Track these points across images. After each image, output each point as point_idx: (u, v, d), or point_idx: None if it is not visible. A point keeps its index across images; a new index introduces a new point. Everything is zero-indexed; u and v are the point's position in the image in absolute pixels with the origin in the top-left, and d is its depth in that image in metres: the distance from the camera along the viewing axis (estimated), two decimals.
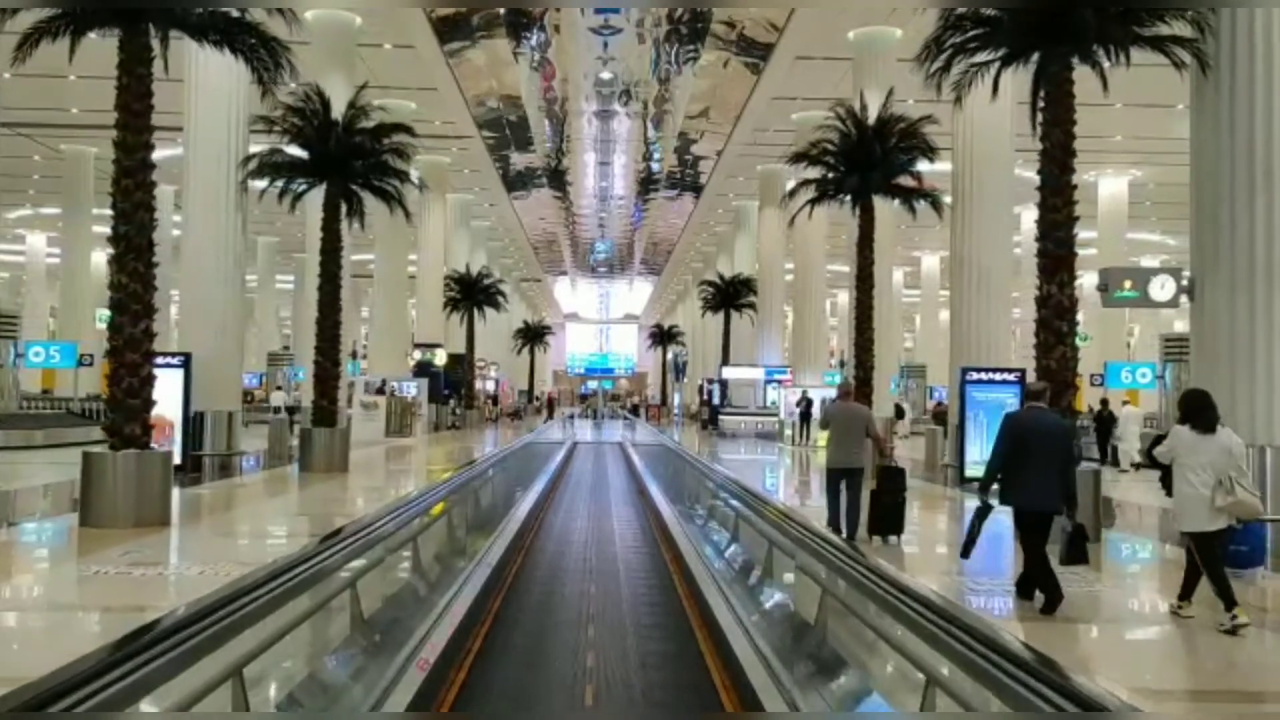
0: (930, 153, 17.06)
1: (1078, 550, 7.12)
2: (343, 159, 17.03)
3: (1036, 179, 10.59)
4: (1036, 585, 7.20)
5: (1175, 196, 40.90)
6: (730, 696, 5.99)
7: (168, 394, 15.70)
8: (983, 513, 7.16)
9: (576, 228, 56.08)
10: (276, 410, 28.23)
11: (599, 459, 28.62)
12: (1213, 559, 6.68)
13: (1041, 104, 10.57)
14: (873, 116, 17.56)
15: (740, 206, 43.95)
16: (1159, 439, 7.38)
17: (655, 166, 41.98)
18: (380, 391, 29.12)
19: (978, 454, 16.05)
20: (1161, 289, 10.65)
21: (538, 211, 50.56)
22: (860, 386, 17.74)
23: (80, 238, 37.19)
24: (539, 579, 9.69)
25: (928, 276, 54.35)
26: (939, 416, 29.63)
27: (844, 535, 9.54)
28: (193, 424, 16.70)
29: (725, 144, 35.87)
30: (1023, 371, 16.75)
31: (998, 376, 16.38)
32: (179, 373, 15.78)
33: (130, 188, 10.31)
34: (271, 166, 17.03)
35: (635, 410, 62.20)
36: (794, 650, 6.09)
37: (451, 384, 38.20)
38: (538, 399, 61.15)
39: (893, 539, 10.08)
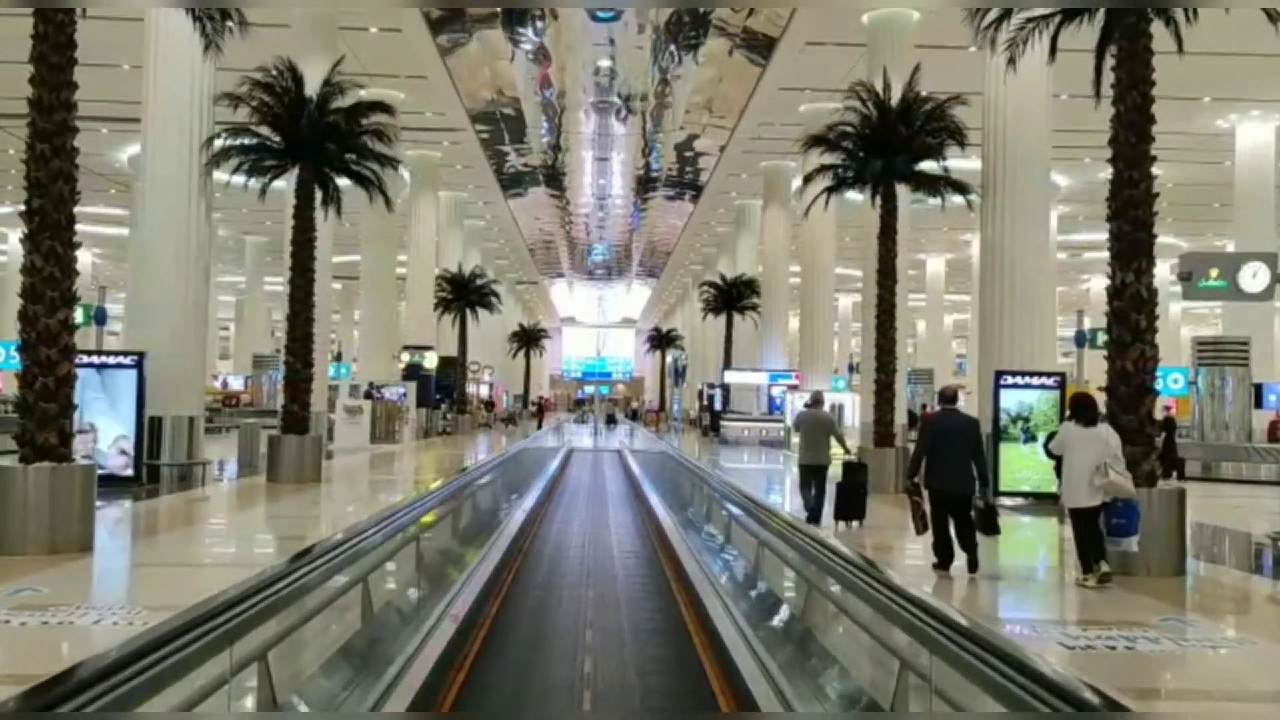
0: (960, 136, 15.58)
1: (990, 524, 8.65)
2: (316, 140, 15.52)
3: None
4: (937, 553, 8.67)
5: (1192, 197, 39.43)
6: None
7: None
8: (915, 491, 8.85)
9: (574, 229, 54.65)
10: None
11: (596, 467, 27.13)
12: (1083, 531, 8.25)
13: (1113, 63, 9.08)
14: (895, 98, 16.07)
15: (743, 206, 42.56)
16: (1052, 435, 9.52)
17: (655, 164, 40.54)
18: (368, 396, 27.59)
19: (1017, 465, 14.59)
20: (1254, 278, 9.18)
21: (534, 211, 49.09)
22: (881, 391, 16.32)
23: None
24: (514, 659, 7.68)
25: (933, 279, 53.05)
26: None
27: (813, 517, 11.43)
28: (150, 430, 15.25)
29: (728, 139, 34.42)
30: (1063, 375, 15.33)
31: (1035, 380, 14.90)
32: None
33: (46, 154, 8.79)
34: (239, 148, 15.52)
35: (635, 415, 61.07)
36: None
37: (443, 388, 36.65)
38: (534, 404, 59.66)
39: (855, 524, 11.45)
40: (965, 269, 52.79)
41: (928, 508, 8.71)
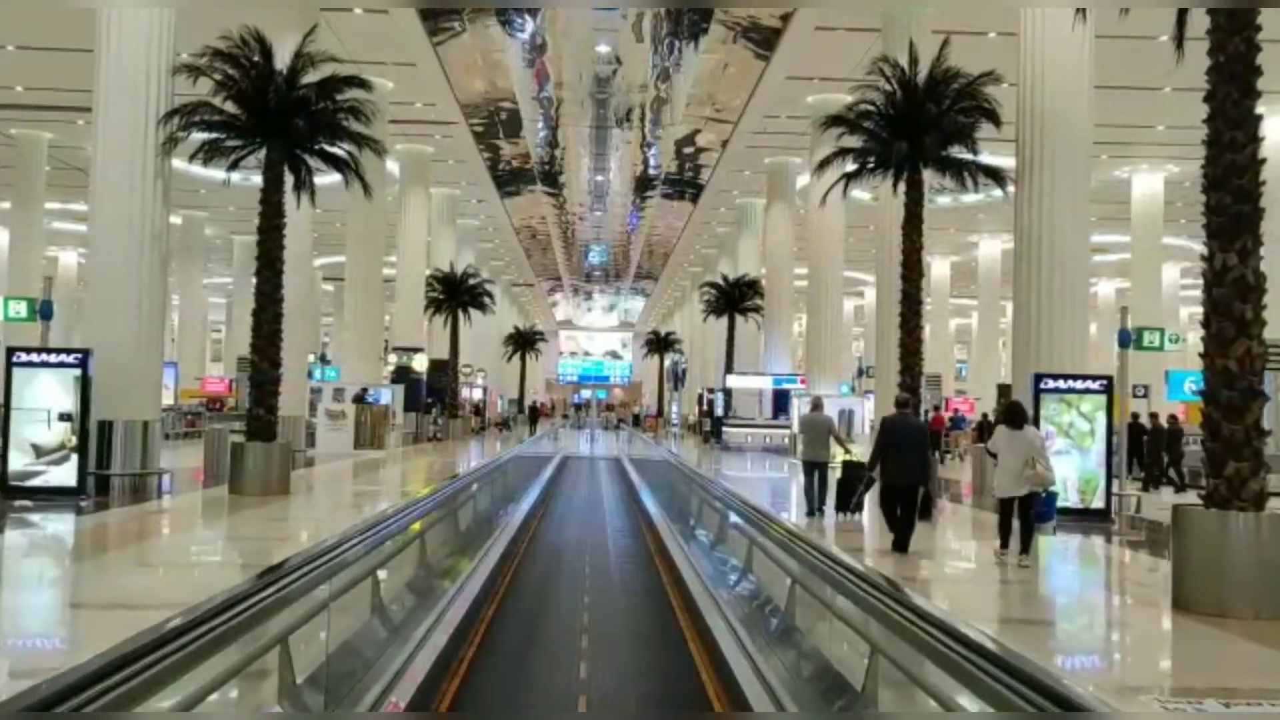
0: (994, 116, 14.18)
1: (927, 509, 10.80)
2: (284, 117, 14.08)
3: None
4: (892, 531, 10.14)
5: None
6: None
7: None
8: (869, 483, 10.75)
9: (571, 229, 53.25)
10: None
11: (593, 476, 25.68)
12: (1022, 517, 9.53)
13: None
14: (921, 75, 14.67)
15: (745, 205, 41.24)
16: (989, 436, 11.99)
17: (654, 162, 39.14)
18: (358, 400, 26.13)
19: (1059, 477, 13.15)
20: None
21: (530, 211, 47.66)
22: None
23: (33, 231, 34.06)
24: None
25: (938, 282, 51.72)
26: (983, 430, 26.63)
27: (815, 509, 12.91)
28: (100, 436, 13.81)
29: (731, 133, 33.01)
30: (1109, 378, 13.89)
31: (1079, 384, 13.47)
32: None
33: None
34: (199, 125, 14.08)
35: (637, 420, 60.07)
36: None
37: (434, 392, 35.19)
38: (531, 408, 58.24)
39: (853, 515, 12.53)
40: (970, 272, 51.45)
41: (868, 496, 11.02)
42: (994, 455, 10.00)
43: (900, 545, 9.94)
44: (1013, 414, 9.93)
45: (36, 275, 34.75)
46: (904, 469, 10.05)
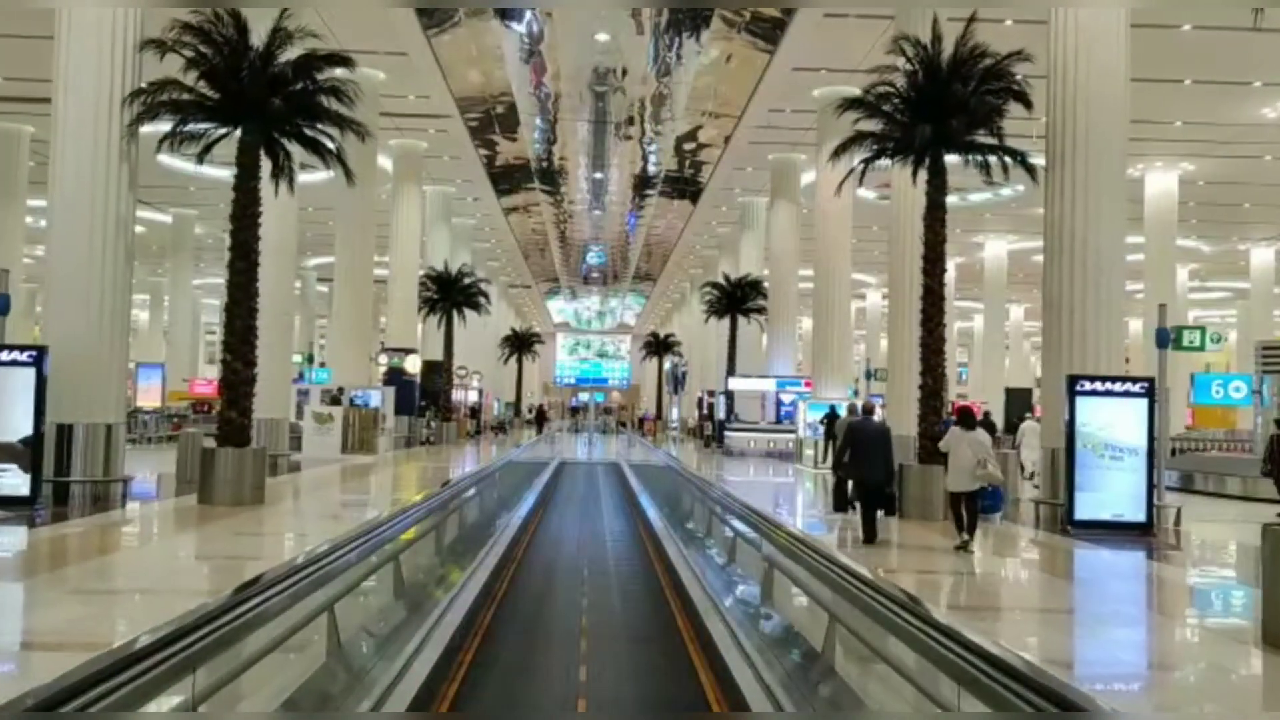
0: (1024, 98, 13.20)
1: (890, 506, 12.32)
2: (260, 97, 13.06)
3: None
4: (864, 528, 11.06)
5: (1217, 196, 36.81)
6: None
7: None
8: (841, 482, 12.78)
9: (569, 229, 52.24)
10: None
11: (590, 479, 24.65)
12: (969, 508, 10.63)
13: None
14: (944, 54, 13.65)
15: (747, 203, 40.21)
16: (939, 436, 12.42)
17: (654, 160, 38.13)
18: (336, 402, 25.11)
19: (1096, 488, 12.19)
20: None
21: (527, 210, 46.62)
22: (928, 399, 13.90)
23: (14, 230, 32.92)
24: None
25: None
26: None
27: (848, 505, 12.91)
28: (58, 440, 12.78)
29: (734, 129, 31.98)
30: (1151, 380, 12.89)
31: (1117, 387, 12.48)
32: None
33: None
34: (167, 105, 13.05)
35: (641, 424, 59.60)
36: None
37: (428, 394, 34.16)
38: (529, 411, 57.24)
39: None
40: (974, 274, 50.34)
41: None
42: (944, 453, 10.92)
43: (869, 537, 10.88)
44: (964, 417, 11.02)
45: (16, 272, 33.69)
46: (870, 469, 11.26)
